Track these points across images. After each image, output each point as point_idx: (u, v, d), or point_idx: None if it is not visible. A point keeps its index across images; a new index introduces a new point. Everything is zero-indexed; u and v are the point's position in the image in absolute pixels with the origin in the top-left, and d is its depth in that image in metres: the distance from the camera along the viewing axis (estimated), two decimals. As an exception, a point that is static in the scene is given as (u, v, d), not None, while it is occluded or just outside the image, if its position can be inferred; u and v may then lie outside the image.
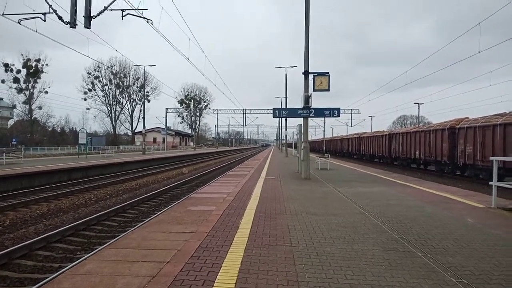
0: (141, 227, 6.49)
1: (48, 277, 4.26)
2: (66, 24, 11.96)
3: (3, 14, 13.44)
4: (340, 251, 4.89)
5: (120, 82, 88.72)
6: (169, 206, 9.24)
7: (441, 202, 9.18)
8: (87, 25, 12.31)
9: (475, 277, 3.97)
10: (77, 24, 12.06)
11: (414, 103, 59.54)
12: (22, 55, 68.64)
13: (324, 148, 65.47)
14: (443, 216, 7.29)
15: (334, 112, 15.49)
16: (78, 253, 7.60)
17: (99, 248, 5.30)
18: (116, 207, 11.75)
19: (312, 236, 5.68)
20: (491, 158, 9.07)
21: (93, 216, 10.28)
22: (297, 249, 4.98)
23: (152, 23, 16.58)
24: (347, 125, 73.59)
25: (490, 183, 8.67)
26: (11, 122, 79.76)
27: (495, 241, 5.43)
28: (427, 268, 4.25)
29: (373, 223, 6.64)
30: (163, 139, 73.58)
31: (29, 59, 68.61)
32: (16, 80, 68.07)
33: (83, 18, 12.81)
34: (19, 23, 13.76)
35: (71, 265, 4.52)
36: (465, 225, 6.56)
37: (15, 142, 53.26)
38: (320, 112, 15.80)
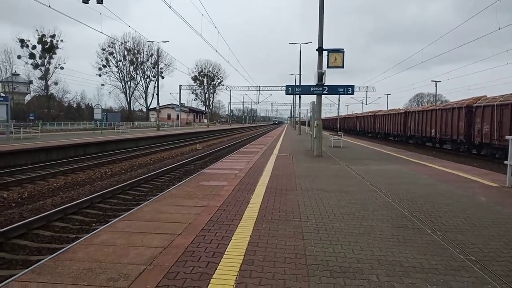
0: (154, 201, 6.62)
1: (64, 247, 4.42)
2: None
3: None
4: (349, 227, 4.93)
5: (134, 59, 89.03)
6: (182, 181, 9.38)
7: (454, 180, 9.10)
8: (100, 1, 12.25)
9: (484, 254, 3.98)
10: (89, -1, 12.03)
11: (432, 81, 58.50)
12: (37, 30, 69.41)
13: (338, 126, 65.02)
14: (455, 194, 7.25)
15: (348, 90, 15.27)
16: (94, 224, 7.81)
17: (113, 220, 5.44)
18: (131, 181, 11.96)
19: (322, 212, 5.72)
20: (507, 137, 8.89)
21: (108, 190, 10.49)
22: (306, 224, 5.03)
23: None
24: (362, 102, 72.87)
25: (506, 162, 8.54)
26: (28, 98, 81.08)
27: (507, 220, 5.39)
28: (436, 245, 4.27)
29: (383, 200, 6.64)
30: (177, 116, 74.00)
31: (44, 35, 69.24)
32: (31, 56, 68.89)
33: (96, -7, 12.75)
34: (33, -2, 13.77)
35: (86, 236, 4.66)
36: (477, 203, 6.51)
37: (32, 117, 54.16)
38: (334, 89, 15.60)
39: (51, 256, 3.94)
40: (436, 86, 58.90)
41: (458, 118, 24.09)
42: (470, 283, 3.25)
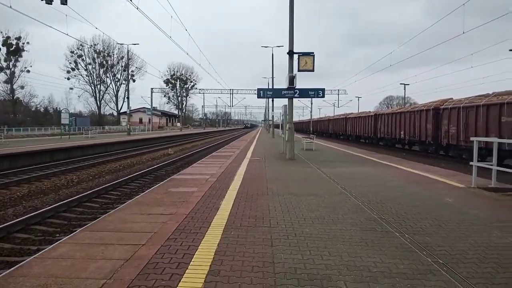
0: (119, 209, 6.39)
1: (25, 260, 4.16)
2: (41, 0, 11.46)
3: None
4: (318, 231, 4.88)
5: (104, 61, 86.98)
6: (150, 188, 9.14)
7: (422, 182, 9.26)
8: (63, 1, 11.81)
9: (451, 256, 4.00)
10: (53, 0, 11.55)
11: (400, 83, 59.90)
12: (1, 32, 66.61)
13: (311, 129, 65.61)
14: (423, 196, 7.35)
15: (318, 93, 15.39)
16: (57, 235, 7.47)
17: (75, 231, 5.20)
18: (98, 188, 11.57)
19: (292, 217, 5.66)
20: (472, 138, 9.13)
21: (74, 198, 10.11)
22: (275, 230, 4.95)
23: (131, 0, 16.05)
24: (334, 105, 73.80)
25: (471, 163, 8.75)
26: (-8, 102, 77.78)
27: (472, 221, 5.49)
28: (404, 248, 4.27)
29: (353, 203, 6.65)
30: (149, 120, 72.89)
31: (9, 37, 66.64)
32: (-4, 59, 66.13)
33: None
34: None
35: (44, 249, 4.41)
36: (444, 205, 6.62)
37: (-4, 123, 52.07)
38: (305, 93, 15.67)
39: (4, 272, 3.70)
40: (404, 89, 60.21)
41: (426, 120, 24.72)
42: (437, 287, 3.24)
